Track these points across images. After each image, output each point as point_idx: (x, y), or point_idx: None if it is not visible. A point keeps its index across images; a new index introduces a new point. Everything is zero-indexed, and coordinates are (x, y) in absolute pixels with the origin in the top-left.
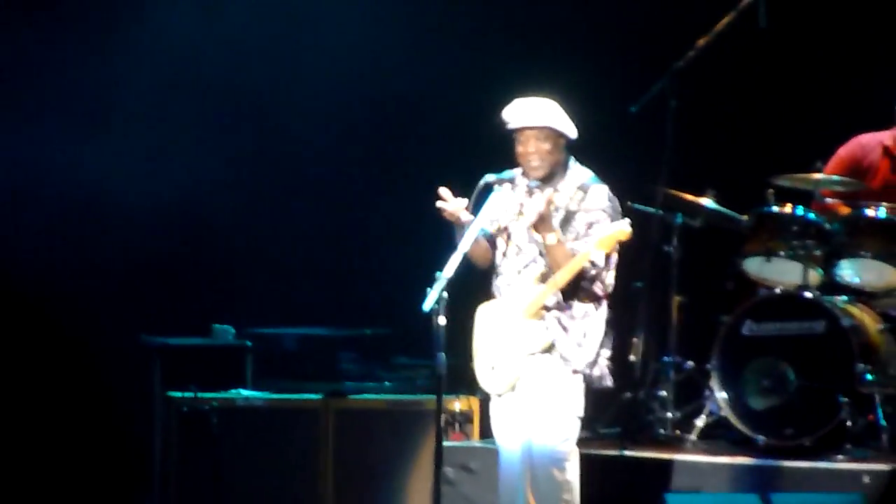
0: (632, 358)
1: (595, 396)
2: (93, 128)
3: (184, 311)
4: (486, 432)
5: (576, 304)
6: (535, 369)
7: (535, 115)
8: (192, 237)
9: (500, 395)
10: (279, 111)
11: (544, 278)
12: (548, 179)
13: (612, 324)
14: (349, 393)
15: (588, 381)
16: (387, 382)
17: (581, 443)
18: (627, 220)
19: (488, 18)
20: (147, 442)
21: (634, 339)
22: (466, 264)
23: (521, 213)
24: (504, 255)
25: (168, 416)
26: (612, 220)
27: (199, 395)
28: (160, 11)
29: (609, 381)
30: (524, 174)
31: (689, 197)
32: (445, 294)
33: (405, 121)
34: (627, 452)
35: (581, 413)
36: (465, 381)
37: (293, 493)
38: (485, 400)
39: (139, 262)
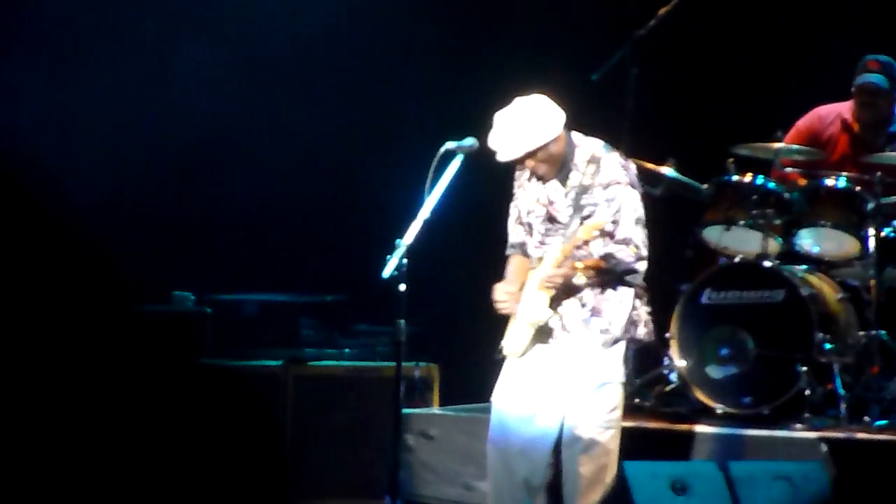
0: None
1: None
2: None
3: (143, 278)
4: (445, 399)
5: (598, 278)
6: (569, 342)
7: (520, 143)
8: (151, 204)
9: (509, 357)
10: (242, 79)
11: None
12: (560, 174)
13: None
14: (309, 359)
15: (630, 342)
16: (347, 349)
17: None
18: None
19: None
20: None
21: None
22: (427, 232)
23: (539, 202)
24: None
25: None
26: (630, 186)
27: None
28: None
29: (652, 336)
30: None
31: (650, 165)
32: (405, 261)
33: (365, 86)
34: None
35: (622, 378)
36: (425, 348)
37: (252, 458)
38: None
39: (96, 229)
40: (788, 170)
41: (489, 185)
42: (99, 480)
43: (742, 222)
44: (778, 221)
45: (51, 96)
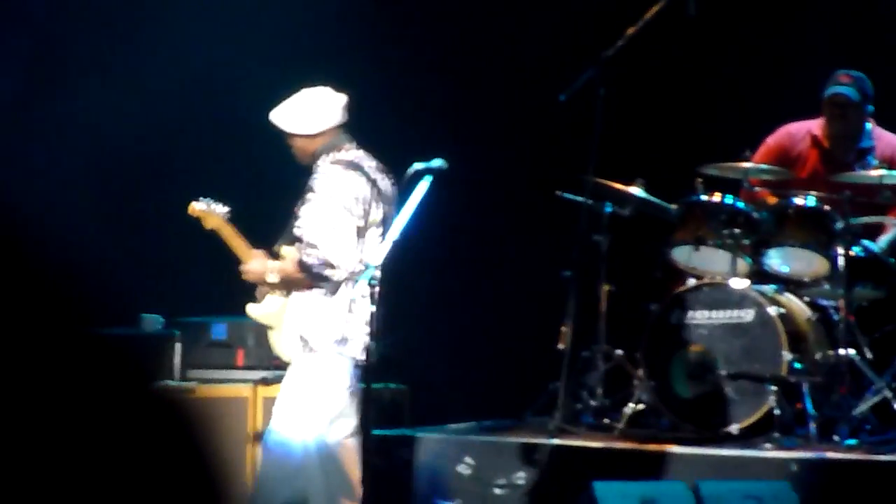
0: (561, 346)
1: (524, 386)
2: None
3: (111, 301)
4: (417, 421)
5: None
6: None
7: (280, 118)
8: (117, 225)
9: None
10: (216, 88)
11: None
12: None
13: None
14: (278, 381)
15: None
16: None
17: (510, 431)
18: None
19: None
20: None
21: (563, 328)
22: (395, 253)
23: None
24: None
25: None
26: (329, 194)
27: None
28: None
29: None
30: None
31: (619, 186)
32: (374, 282)
33: None
34: (556, 441)
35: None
36: (393, 369)
37: (218, 480)
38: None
39: (64, 251)
40: (757, 189)
41: (458, 207)
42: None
43: (710, 242)
44: (747, 241)
45: (14, 112)
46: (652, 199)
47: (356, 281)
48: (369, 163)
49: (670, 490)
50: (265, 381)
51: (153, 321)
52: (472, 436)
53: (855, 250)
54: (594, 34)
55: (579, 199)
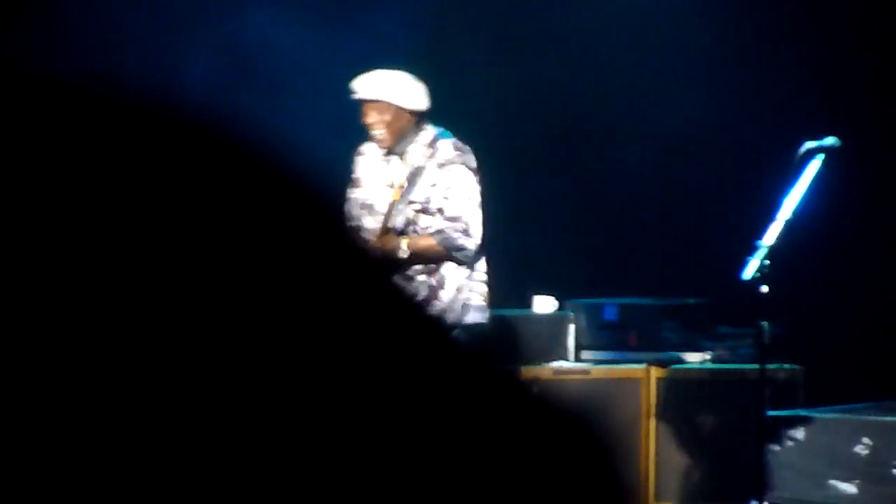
0: None
1: None
2: None
3: (503, 283)
4: (810, 401)
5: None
6: None
7: (372, 88)
8: (512, 209)
9: None
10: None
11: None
12: (395, 148)
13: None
14: (672, 362)
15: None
16: (710, 352)
17: None
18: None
19: None
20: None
21: None
22: (788, 233)
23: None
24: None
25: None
26: (465, 166)
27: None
28: None
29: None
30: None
31: None
32: (767, 263)
33: (715, 86)
34: None
35: None
36: (789, 350)
37: (615, 462)
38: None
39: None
40: None
41: (851, 185)
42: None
43: None
44: None
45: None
46: None
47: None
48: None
49: None
50: (659, 363)
51: (547, 302)
52: (869, 416)
53: None
54: None
55: None
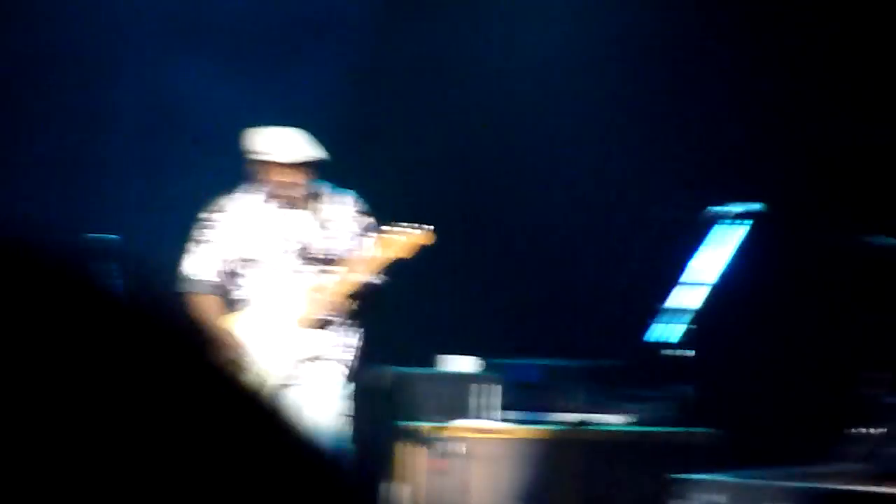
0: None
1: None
2: None
3: (413, 342)
4: (733, 464)
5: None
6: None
7: (313, 147)
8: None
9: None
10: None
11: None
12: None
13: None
14: (593, 424)
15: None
16: (630, 414)
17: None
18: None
19: None
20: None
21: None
22: (712, 297)
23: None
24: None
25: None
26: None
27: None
28: None
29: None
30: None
31: None
32: (690, 326)
33: (615, 151)
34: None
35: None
36: (706, 413)
37: None
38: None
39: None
40: None
41: (772, 251)
42: None
43: None
44: None
45: None
46: None
47: None
48: None
49: None
50: (580, 424)
51: (464, 362)
52: (776, 481)
53: None
54: None
55: None
